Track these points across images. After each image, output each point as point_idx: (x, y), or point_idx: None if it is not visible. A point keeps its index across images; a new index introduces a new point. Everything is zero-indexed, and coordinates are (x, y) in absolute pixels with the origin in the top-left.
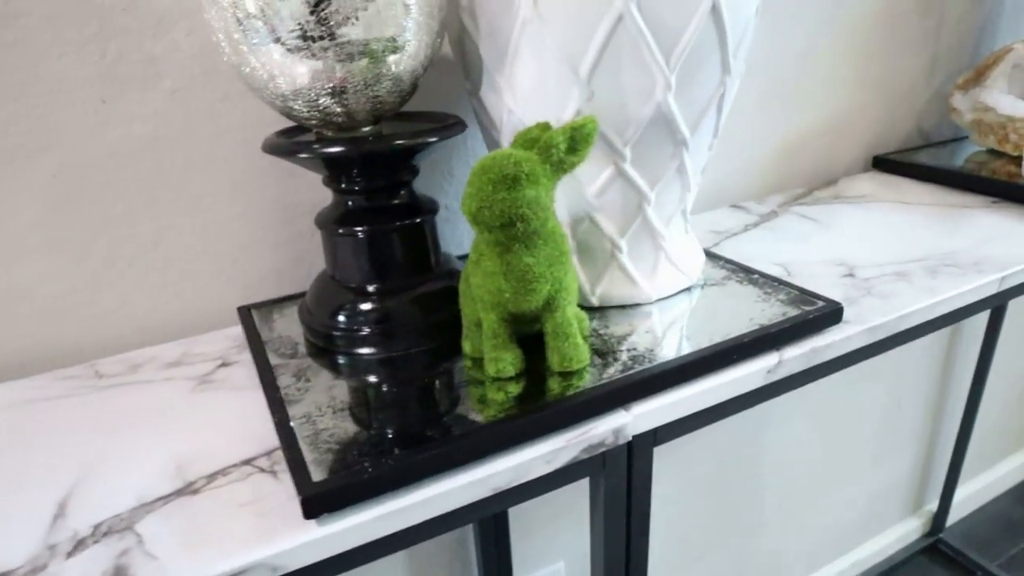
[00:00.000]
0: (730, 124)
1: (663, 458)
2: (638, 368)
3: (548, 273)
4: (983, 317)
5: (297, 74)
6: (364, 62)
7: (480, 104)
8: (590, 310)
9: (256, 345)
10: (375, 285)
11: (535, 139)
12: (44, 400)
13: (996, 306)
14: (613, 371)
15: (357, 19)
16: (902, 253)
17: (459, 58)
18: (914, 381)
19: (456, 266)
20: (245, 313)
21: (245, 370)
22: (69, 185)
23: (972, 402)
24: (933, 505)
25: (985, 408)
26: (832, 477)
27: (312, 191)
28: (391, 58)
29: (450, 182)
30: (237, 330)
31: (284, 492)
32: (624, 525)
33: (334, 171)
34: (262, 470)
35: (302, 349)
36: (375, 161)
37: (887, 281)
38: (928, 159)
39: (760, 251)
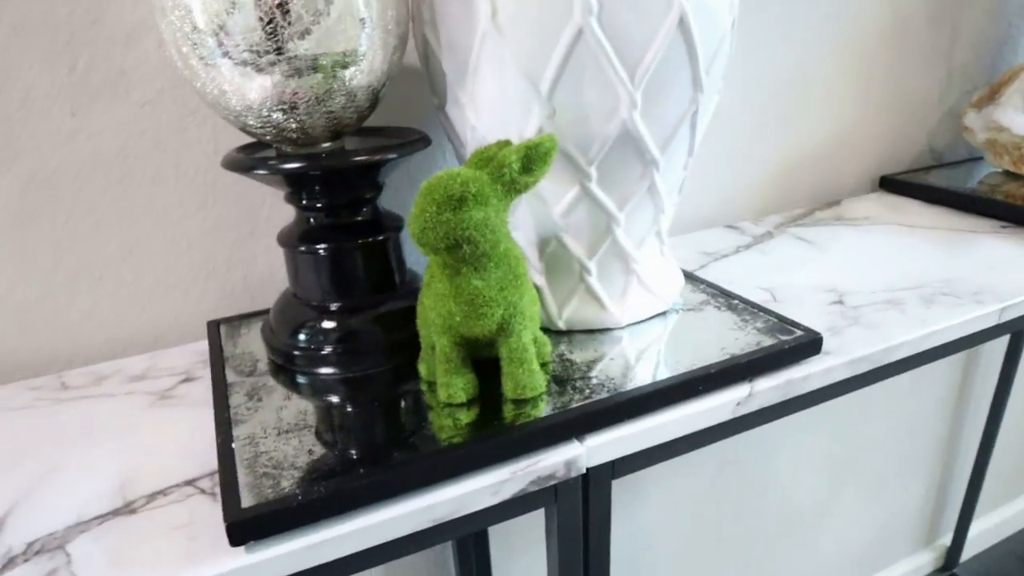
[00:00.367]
0: (725, 141)
1: (657, 480)
2: (595, 397)
3: (500, 297)
4: (1002, 342)
5: (247, 89)
6: (315, 77)
7: (447, 119)
8: (557, 333)
9: (216, 361)
10: (337, 304)
11: (490, 157)
12: (8, 410)
13: (999, 337)
14: (569, 399)
15: (307, 34)
16: (898, 280)
17: (425, 72)
18: (927, 408)
19: (421, 285)
20: (213, 328)
21: (206, 386)
22: (39, 196)
23: (989, 432)
24: (947, 539)
25: (1003, 438)
26: (839, 505)
27: (285, 204)
28: (343, 73)
29: None
30: (206, 344)
31: (219, 516)
32: (581, 561)
33: (294, 188)
34: (203, 491)
35: (262, 367)
36: (334, 178)
37: (877, 310)
38: (938, 180)
39: (748, 274)
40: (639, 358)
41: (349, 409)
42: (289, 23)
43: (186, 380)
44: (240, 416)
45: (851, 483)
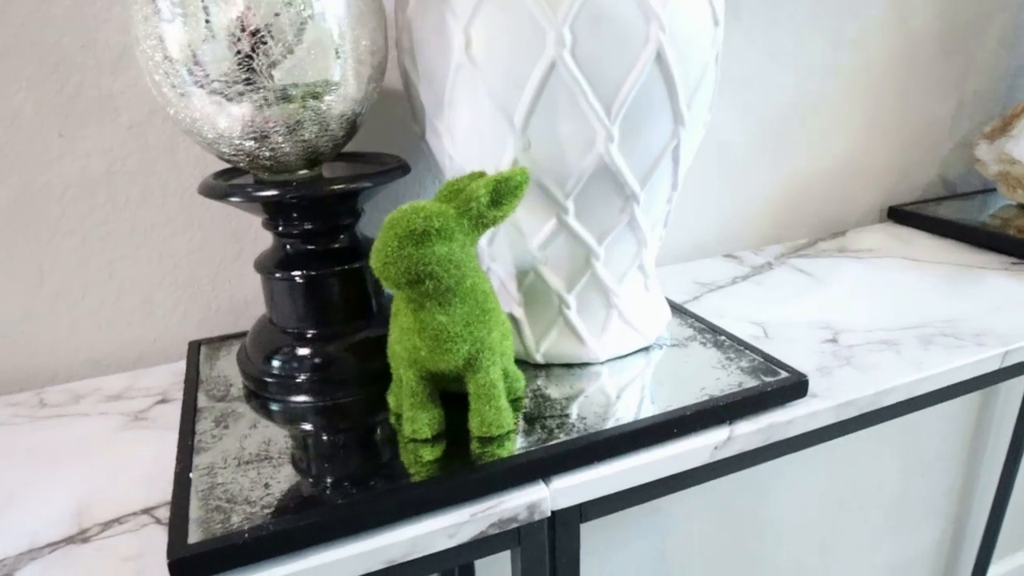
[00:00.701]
0: (724, 167)
1: (651, 515)
2: (565, 437)
3: (465, 333)
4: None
5: (218, 118)
6: (287, 107)
7: (428, 148)
8: (535, 367)
9: (190, 385)
10: (312, 331)
11: (459, 190)
12: None
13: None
14: (538, 438)
15: (278, 64)
16: (897, 318)
17: (407, 101)
18: (940, 447)
19: None
20: (194, 349)
21: (180, 409)
22: (25, 215)
23: (1008, 471)
24: None
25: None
26: (846, 547)
27: None
28: (314, 103)
29: None
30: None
31: None
32: None
33: (271, 214)
34: (158, 521)
35: (235, 392)
36: (310, 205)
37: (872, 350)
38: (948, 212)
39: (742, 307)
40: (616, 396)
41: (315, 440)
42: (260, 54)
43: (162, 402)
44: (204, 444)
45: (859, 525)
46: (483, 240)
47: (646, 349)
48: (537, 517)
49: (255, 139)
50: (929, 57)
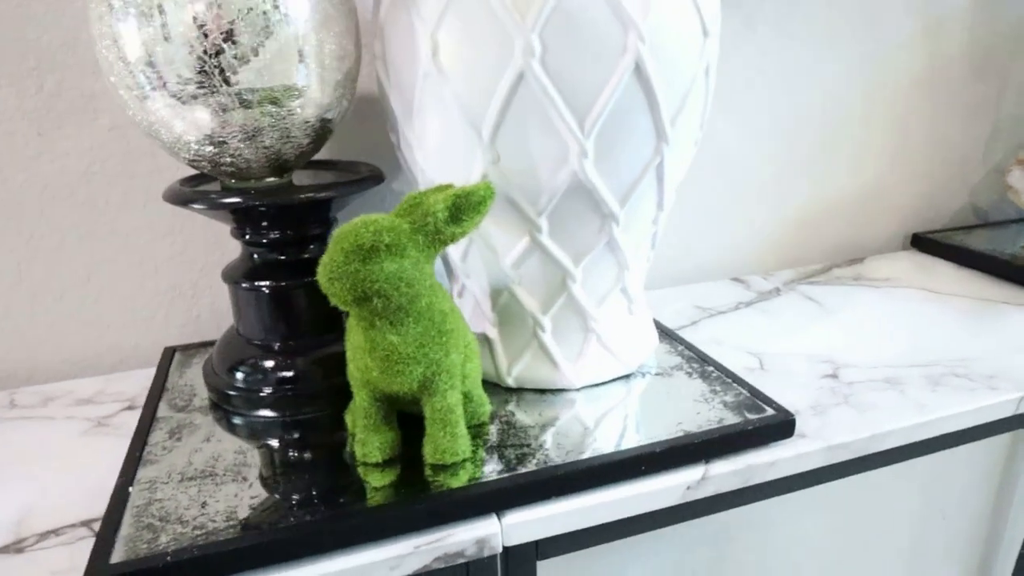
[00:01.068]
0: (735, 186)
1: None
2: (522, 470)
3: (419, 355)
4: None
5: (173, 123)
6: (246, 112)
7: (403, 158)
8: (506, 390)
9: (154, 393)
10: (278, 343)
11: (419, 203)
12: None
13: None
14: (494, 469)
15: (236, 70)
16: (906, 354)
17: (382, 109)
18: (963, 486)
19: None
20: (168, 355)
21: None
22: (2, 213)
23: None
24: None
25: None
26: None
27: None
28: (272, 109)
29: None
30: None
31: None
32: None
33: (238, 222)
34: (95, 535)
35: (198, 402)
36: (278, 213)
37: (874, 388)
38: (976, 241)
39: (741, 335)
40: (588, 426)
41: (266, 458)
42: (215, 57)
43: (128, 408)
44: (152, 456)
45: (873, 567)
46: (456, 255)
47: (627, 377)
48: (487, 553)
49: (213, 145)
50: (961, 77)
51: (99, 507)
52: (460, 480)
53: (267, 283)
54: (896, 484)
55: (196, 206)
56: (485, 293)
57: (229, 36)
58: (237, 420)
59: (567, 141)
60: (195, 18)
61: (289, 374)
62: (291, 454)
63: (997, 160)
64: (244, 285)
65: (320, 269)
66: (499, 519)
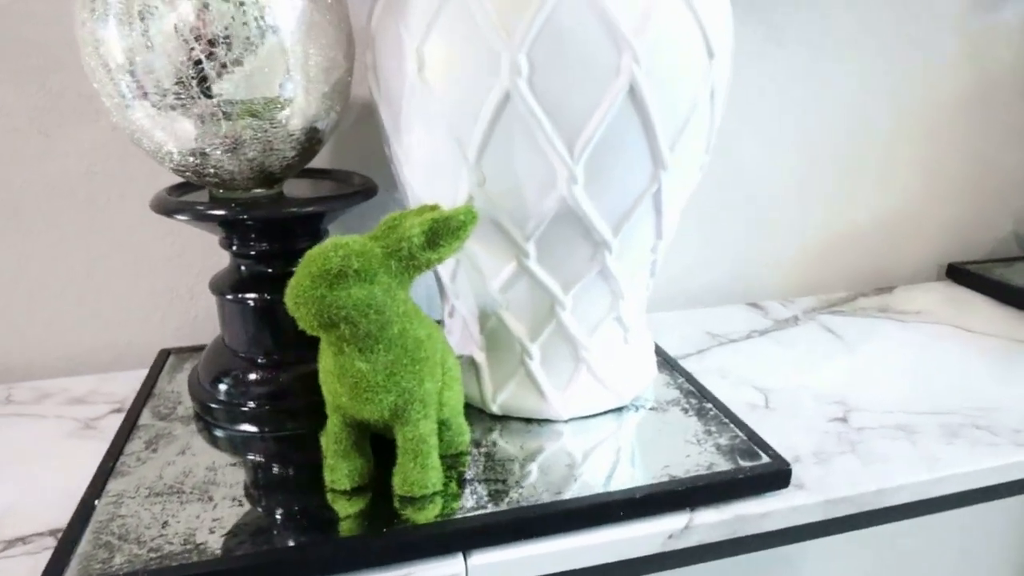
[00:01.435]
0: (753, 207)
1: None
2: (492, 508)
3: (389, 383)
4: None
5: (155, 132)
6: (226, 124)
7: (394, 172)
8: (492, 417)
9: (139, 399)
10: (263, 357)
11: (395, 227)
12: None
13: None
14: (464, 504)
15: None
16: (925, 398)
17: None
18: (996, 534)
19: None
20: (161, 358)
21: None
22: (3, 210)
23: None
24: None
25: None
26: None
27: None
28: (251, 121)
29: None
30: None
31: None
32: None
33: (225, 233)
34: None
35: (181, 411)
36: (265, 226)
37: (885, 436)
38: (1017, 275)
39: (750, 367)
40: (573, 461)
41: (236, 477)
42: (194, 68)
43: (116, 411)
44: (125, 467)
45: None
46: (446, 275)
47: (619, 410)
48: None
49: (195, 155)
50: (1006, 100)
51: (67, 516)
52: (427, 515)
53: (253, 295)
54: (923, 532)
55: (180, 217)
56: (473, 315)
57: (211, 46)
58: (219, 433)
59: (555, 165)
60: (176, 28)
61: (272, 389)
62: (263, 474)
63: None
64: (229, 297)
65: (287, 292)
66: (465, 559)
